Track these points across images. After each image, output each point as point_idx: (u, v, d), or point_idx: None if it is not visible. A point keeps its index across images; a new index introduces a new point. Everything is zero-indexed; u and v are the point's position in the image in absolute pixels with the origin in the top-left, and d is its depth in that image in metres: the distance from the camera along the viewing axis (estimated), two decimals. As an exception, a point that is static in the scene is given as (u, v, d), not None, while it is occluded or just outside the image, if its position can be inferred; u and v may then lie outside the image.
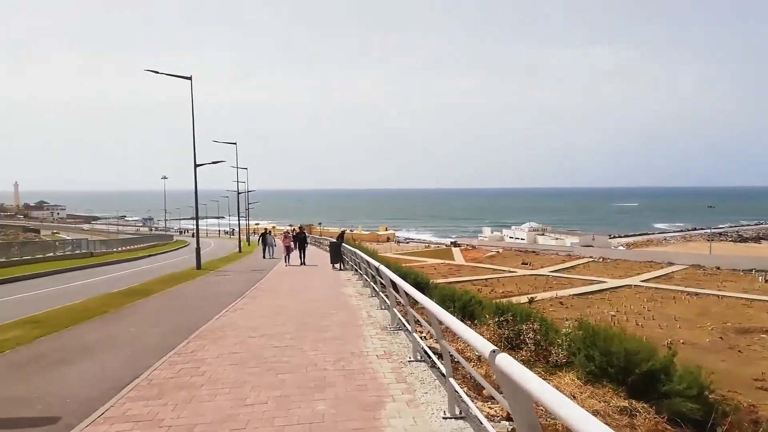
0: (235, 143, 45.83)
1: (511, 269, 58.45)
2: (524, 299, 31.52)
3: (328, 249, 33.74)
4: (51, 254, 33.72)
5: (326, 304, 12.77)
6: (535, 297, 35.53)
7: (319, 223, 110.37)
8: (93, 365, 7.59)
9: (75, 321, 11.15)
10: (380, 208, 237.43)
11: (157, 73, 24.79)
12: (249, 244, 54.76)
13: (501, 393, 3.88)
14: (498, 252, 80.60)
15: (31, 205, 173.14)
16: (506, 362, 2.96)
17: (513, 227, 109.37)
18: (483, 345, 3.40)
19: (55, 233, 72.55)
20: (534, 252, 79.05)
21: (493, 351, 3.17)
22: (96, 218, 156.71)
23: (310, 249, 26.97)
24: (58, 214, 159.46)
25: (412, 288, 7.04)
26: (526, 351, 9.58)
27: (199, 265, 25.55)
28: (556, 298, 38.77)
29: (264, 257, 31.52)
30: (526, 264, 63.86)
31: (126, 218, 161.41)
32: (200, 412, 5.41)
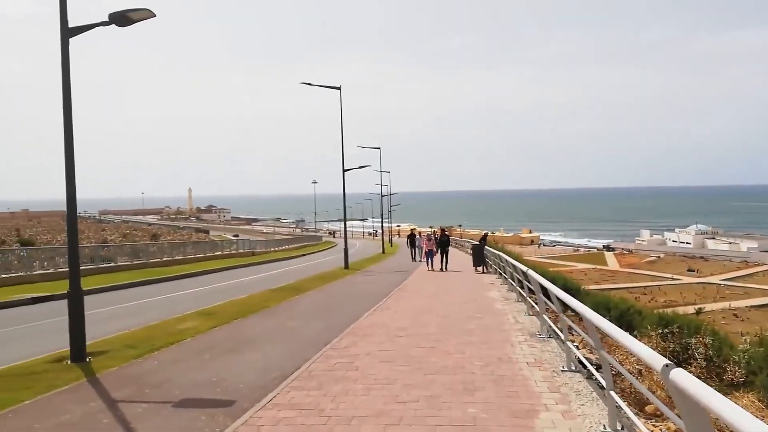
0: (378, 148, 47.40)
1: (675, 276, 53.48)
2: (690, 310, 28.67)
3: (469, 251, 33.59)
4: (219, 252, 37.66)
5: (470, 307, 12.71)
6: (704, 308, 32.20)
7: (460, 225, 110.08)
8: (260, 355, 8.32)
9: (242, 314, 12.31)
10: (524, 210, 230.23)
11: (311, 85, 26.61)
12: (391, 246, 56.28)
13: (673, 410, 3.57)
14: (659, 257, 74.20)
15: (202, 208, 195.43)
16: (683, 378, 2.71)
17: (677, 230, 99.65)
18: (654, 358, 3.15)
19: (235, 236, 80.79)
20: (702, 258, 71.52)
21: (667, 365, 2.93)
22: (256, 220, 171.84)
23: (451, 252, 26.39)
24: (224, 216, 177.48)
25: (565, 293, 6.75)
26: (695, 367, 8.71)
27: (346, 265, 26.80)
28: (729, 309, 34.67)
29: (413, 260, 31.03)
30: (693, 271, 57.99)
31: (281, 220, 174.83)
32: (356, 405, 5.68)
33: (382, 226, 60.17)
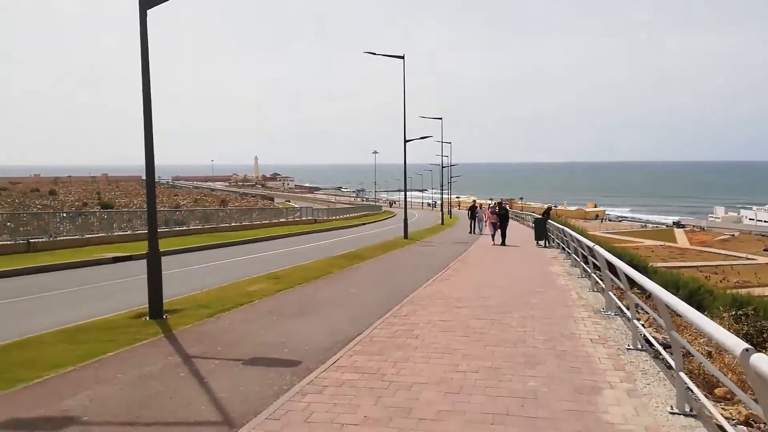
0: (440, 119, 46.84)
1: (750, 256, 50.63)
2: (767, 292, 27.21)
3: (530, 225, 32.97)
4: (283, 219, 38.71)
5: (532, 281, 12.56)
6: (781, 290, 30.34)
7: (521, 198, 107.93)
8: (324, 319, 8.60)
9: (306, 279, 12.70)
10: (589, 183, 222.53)
11: (374, 54, 26.50)
12: (450, 217, 56.00)
13: (749, 396, 3.46)
14: (733, 236, 70.28)
15: (267, 176, 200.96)
16: (765, 363, 2.62)
17: (755, 207, 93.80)
18: (732, 342, 3.04)
19: (287, 202, 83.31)
20: (781, 237, 67.06)
21: (746, 350, 2.83)
22: (318, 189, 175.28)
23: (510, 225, 25.72)
24: (287, 184, 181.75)
25: (633, 270, 6.56)
26: (771, 352, 8.31)
27: (406, 235, 26.94)
28: (809, 293, 32.52)
29: (472, 232, 30.82)
30: (770, 251, 54.61)
31: (342, 189, 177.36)
32: (416, 372, 5.81)
33: (441, 197, 59.91)
